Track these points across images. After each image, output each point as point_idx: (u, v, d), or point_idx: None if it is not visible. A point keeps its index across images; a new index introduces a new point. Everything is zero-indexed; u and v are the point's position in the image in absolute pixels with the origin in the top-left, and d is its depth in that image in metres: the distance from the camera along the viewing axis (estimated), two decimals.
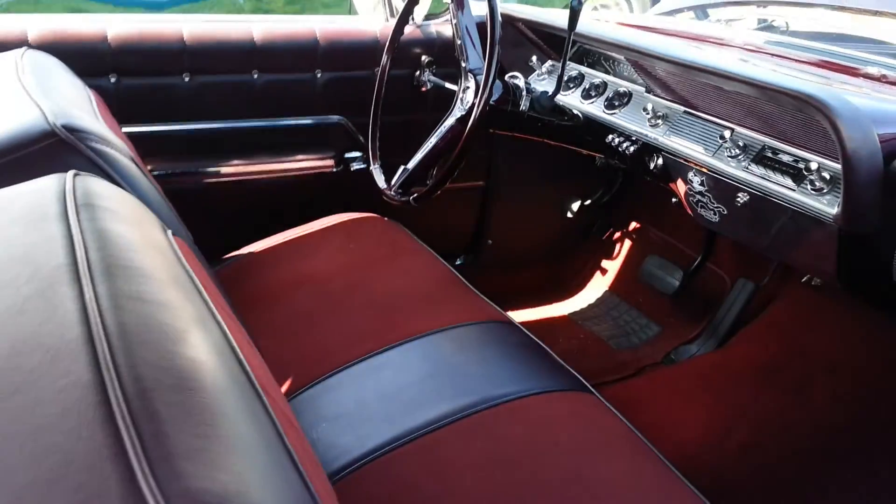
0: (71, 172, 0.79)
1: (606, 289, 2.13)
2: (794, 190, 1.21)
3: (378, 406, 1.08)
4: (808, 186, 1.19)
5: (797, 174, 1.21)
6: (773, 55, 1.53)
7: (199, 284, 0.71)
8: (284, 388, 1.18)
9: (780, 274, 1.83)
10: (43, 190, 0.75)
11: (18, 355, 0.53)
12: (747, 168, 1.29)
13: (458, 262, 2.10)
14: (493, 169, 2.00)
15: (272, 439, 0.52)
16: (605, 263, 2.18)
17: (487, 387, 1.10)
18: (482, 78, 1.40)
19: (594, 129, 1.61)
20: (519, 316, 2.04)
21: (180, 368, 0.52)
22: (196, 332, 0.59)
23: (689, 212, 1.48)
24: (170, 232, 0.82)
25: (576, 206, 2.13)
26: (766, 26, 1.82)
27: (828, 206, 1.15)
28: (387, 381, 1.13)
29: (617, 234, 2.19)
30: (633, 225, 2.17)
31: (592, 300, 2.11)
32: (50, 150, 0.87)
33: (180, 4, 3.50)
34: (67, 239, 0.66)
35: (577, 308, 2.09)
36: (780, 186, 1.23)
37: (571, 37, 1.38)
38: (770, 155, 1.27)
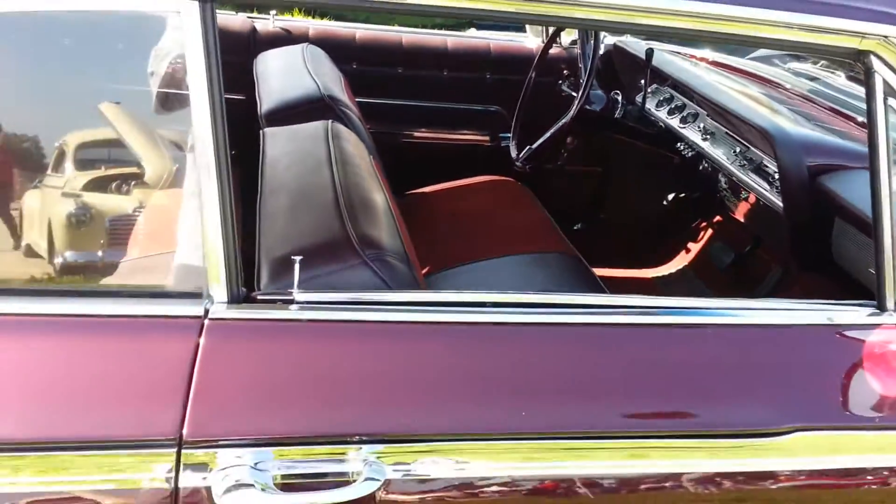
0: (329, 121, 1.61)
1: (686, 264, 2.75)
2: (767, 190, 1.82)
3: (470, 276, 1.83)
4: (774, 188, 1.80)
5: (772, 181, 1.83)
6: (796, 95, 2.11)
7: (381, 182, 1.50)
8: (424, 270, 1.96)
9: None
10: (318, 126, 1.58)
11: (304, 187, 1.34)
12: (747, 174, 1.91)
13: (576, 227, 2.78)
14: (609, 160, 2.67)
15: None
16: (689, 244, 2.78)
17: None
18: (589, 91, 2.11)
19: (668, 138, 2.26)
20: (610, 273, 2.71)
21: (369, 201, 1.31)
22: (378, 195, 1.38)
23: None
24: (372, 157, 1.62)
25: (671, 196, 2.75)
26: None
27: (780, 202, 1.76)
28: (483, 270, 1.88)
29: (703, 224, 2.79)
30: (717, 218, 2.76)
31: (672, 270, 2.73)
32: (321, 108, 1.69)
33: None
34: (327, 150, 1.47)
35: (658, 274, 2.72)
36: (760, 188, 1.85)
37: (648, 71, 2.05)
38: (763, 165, 1.88)
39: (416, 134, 2.55)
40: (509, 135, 2.57)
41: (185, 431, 0.89)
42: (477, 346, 1.02)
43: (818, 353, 1.12)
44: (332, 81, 1.90)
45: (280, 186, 1.36)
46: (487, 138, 2.60)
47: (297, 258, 1.00)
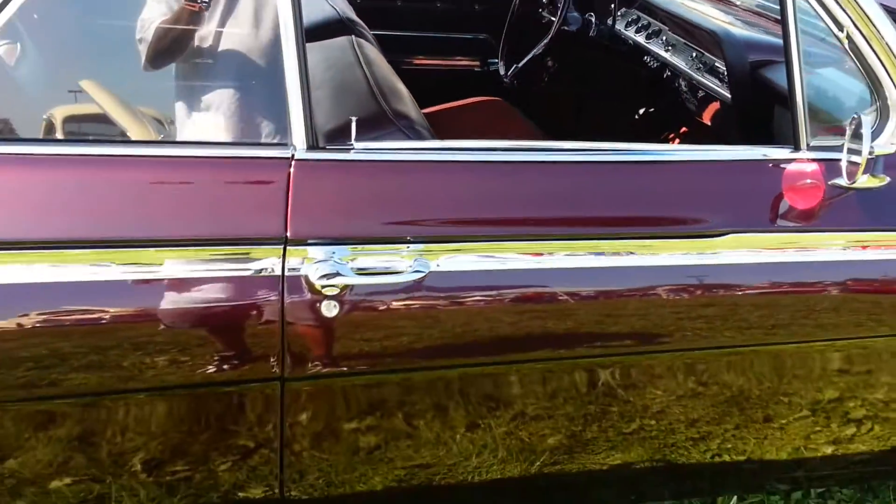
0: (352, 35, 1.93)
1: None
2: (718, 86, 2.16)
3: None
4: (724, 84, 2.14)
5: (723, 78, 2.17)
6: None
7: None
8: None
9: None
10: (343, 40, 1.90)
11: (341, 83, 1.68)
12: (703, 75, 2.25)
13: None
14: (587, 79, 2.99)
15: None
16: None
17: None
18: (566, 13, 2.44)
19: (636, 53, 2.58)
20: None
21: (396, 88, 1.65)
22: (401, 86, 1.71)
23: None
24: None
25: (641, 111, 3.08)
26: None
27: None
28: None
29: (671, 135, 3.14)
30: (682, 129, 3.11)
31: None
32: (341, 28, 2.01)
33: None
34: (355, 55, 1.80)
35: None
36: (714, 85, 2.19)
37: None
38: (715, 66, 2.22)
39: (413, 61, 2.87)
40: (497, 60, 2.90)
41: (287, 234, 1.23)
42: (494, 176, 1.37)
43: (752, 179, 1.48)
44: (347, 9, 2.21)
45: (321, 83, 1.69)
46: (477, 63, 2.93)
47: (354, 118, 1.34)
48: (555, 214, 1.37)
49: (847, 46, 1.48)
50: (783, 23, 1.44)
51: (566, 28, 2.60)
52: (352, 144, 1.33)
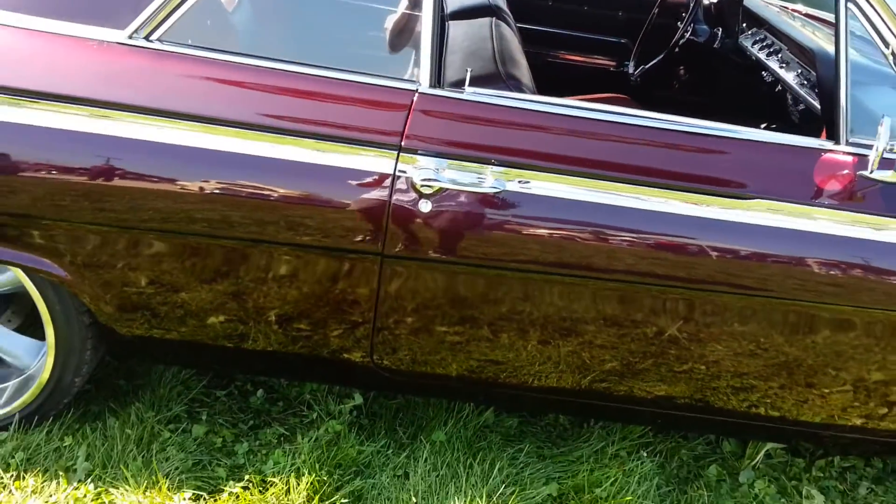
0: (493, 18, 2.35)
1: None
2: (814, 100, 2.40)
3: None
4: None
5: None
6: None
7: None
8: None
9: None
10: (484, 20, 2.32)
11: (473, 49, 2.10)
12: (806, 90, 2.49)
13: None
14: (714, 92, 3.26)
15: None
16: None
17: None
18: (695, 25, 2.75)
19: (758, 67, 2.84)
20: None
21: (515, 59, 2.05)
22: (521, 58, 2.12)
23: None
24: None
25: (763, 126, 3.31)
26: None
27: None
28: None
29: None
30: None
31: None
32: (488, 11, 2.43)
33: None
34: (489, 31, 2.21)
35: None
36: (811, 98, 2.43)
37: (741, 9, 2.66)
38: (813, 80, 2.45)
39: (558, 55, 3.25)
40: (632, 62, 3.23)
41: (402, 143, 1.67)
42: (568, 125, 1.75)
43: (797, 162, 1.77)
44: (500, 0, 2.64)
45: (458, 49, 2.11)
46: (614, 64, 3.27)
47: (469, 68, 1.76)
48: (618, 161, 1.73)
49: (892, 61, 1.74)
50: (836, 37, 1.72)
51: (695, 39, 2.90)
52: (464, 89, 1.75)
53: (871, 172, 1.69)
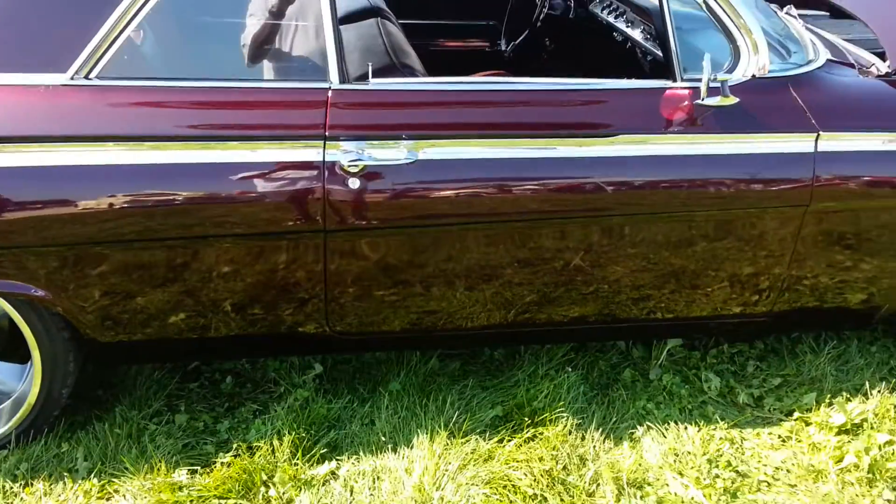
0: (379, 18, 2.67)
1: None
2: (657, 49, 2.82)
3: None
4: None
5: None
6: None
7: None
8: None
9: None
10: (372, 20, 2.64)
11: (366, 46, 2.41)
12: (651, 42, 2.90)
13: None
14: (579, 58, 3.66)
15: None
16: None
17: None
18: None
19: (609, 29, 3.25)
20: None
21: (405, 49, 2.38)
22: (410, 48, 2.45)
23: None
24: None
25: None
26: None
27: None
28: None
29: None
30: None
31: None
32: (372, 12, 2.74)
33: None
34: (377, 26, 2.53)
35: None
36: (654, 48, 2.84)
37: None
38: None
39: (437, 43, 3.59)
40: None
41: (326, 133, 1.97)
42: (462, 98, 2.09)
43: (646, 101, 2.15)
44: (378, 1, 2.95)
45: (354, 49, 2.41)
46: (487, 44, 3.63)
47: (369, 63, 2.07)
48: (502, 121, 2.08)
49: (706, 10, 2.15)
50: None
51: (552, 12, 3.29)
52: (368, 81, 2.06)
53: (703, 100, 2.09)
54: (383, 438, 2.24)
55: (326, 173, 1.97)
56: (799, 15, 2.97)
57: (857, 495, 2.13)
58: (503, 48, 3.41)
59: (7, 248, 1.94)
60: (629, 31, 3.05)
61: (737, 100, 2.11)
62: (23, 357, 2.18)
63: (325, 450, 2.20)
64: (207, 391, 2.44)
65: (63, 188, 1.93)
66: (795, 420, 2.39)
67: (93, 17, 1.93)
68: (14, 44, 1.95)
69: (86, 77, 1.94)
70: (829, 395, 2.45)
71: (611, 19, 3.19)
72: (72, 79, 1.93)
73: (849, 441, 2.29)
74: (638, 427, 2.34)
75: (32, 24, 1.95)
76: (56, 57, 1.91)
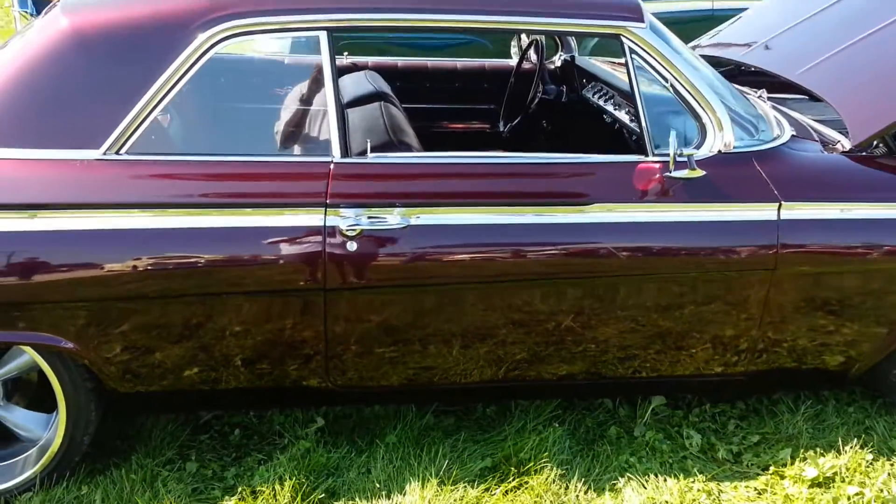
0: (382, 102, 2.94)
1: None
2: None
3: None
4: None
5: None
6: None
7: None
8: None
9: None
10: (376, 104, 2.91)
11: (369, 126, 2.68)
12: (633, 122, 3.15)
13: None
14: (573, 139, 3.92)
15: None
16: None
17: None
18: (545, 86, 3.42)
19: (600, 112, 3.50)
20: None
21: (403, 126, 2.64)
22: (408, 127, 2.71)
23: None
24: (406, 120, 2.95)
25: None
26: None
27: None
28: None
29: None
30: None
31: None
32: (377, 97, 3.02)
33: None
34: (380, 108, 2.80)
35: None
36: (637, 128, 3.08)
37: (575, 70, 3.34)
38: None
39: (441, 126, 3.87)
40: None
41: (328, 201, 2.20)
42: (449, 170, 2.34)
43: (621, 173, 2.37)
44: (384, 87, 3.24)
45: (357, 129, 2.66)
46: (488, 126, 3.90)
47: (368, 140, 2.32)
48: (490, 191, 2.31)
49: (673, 93, 2.39)
50: (629, 79, 2.36)
51: (546, 97, 3.57)
52: (367, 155, 2.30)
53: (672, 172, 2.31)
54: (378, 485, 2.40)
55: (327, 237, 2.20)
56: (782, 99, 3.23)
57: None
58: (501, 129, 3.67)
59: (41, 303, 2.16)
60: (616, 112, 3.30)
61: (703, 172, 2.33)
62: (48, 408, 2.38)
63: (324, 495, 2.36)
64: (217, 442, 2.61)
65: (92, 250, 2.16)
66: (771, 474, 2.51)
67: (123, 104, 2.19)
68: (54, 125, 2.21)
69: (116, 153, 2.19)
70: (803, 451, 2.57)
71: (601, 103, 3.45)
72: (104, 154, 2.18)
73: (821, 493, 2.41)
74: (620, 479, 2.47)
75: (70, 109, 2.22)
76: (90, 137, 2.17)
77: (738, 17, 3.98)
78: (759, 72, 3.26)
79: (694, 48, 3.62)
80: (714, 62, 3.38)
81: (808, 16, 3.41)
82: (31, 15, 7.48)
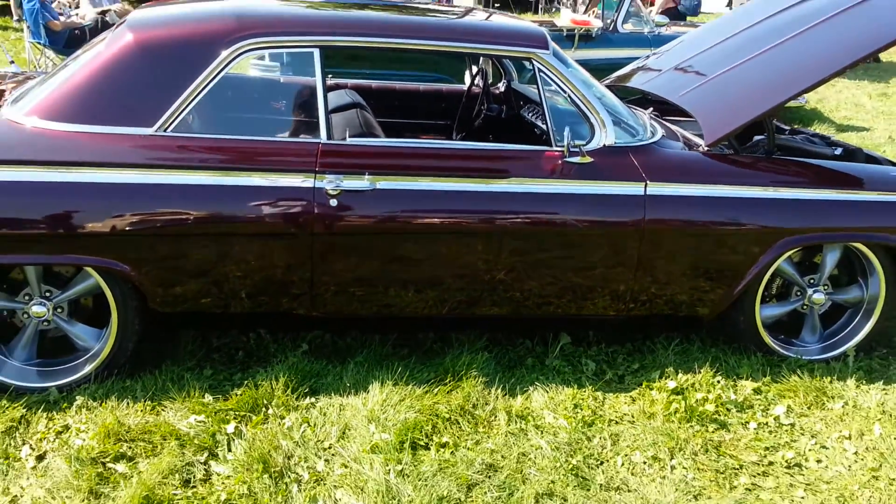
0: (358, 109, 3.83)
1: None
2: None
3: None
4: None
5: None
6: None
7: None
8: None
9: None
10: (353, 111, 3.80)
11: (343, 118, 3.57)
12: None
13: None
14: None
15: None
16: None
17: None
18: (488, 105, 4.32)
19: (528, 122, 4.40)
20: None
21: (371, 124, 3.53)
22: (378, 128, 3.60)
23: None
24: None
25: None
26: None
27: None
28: None
29: None
30: None
31: None
32: (353, 105, 3.89)
33: None
34: (357, 116, 3.70)
35: None
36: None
37: (512, 92, 4.25)
38: None
39: (405, 136, 4.74)
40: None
41: (317, 169, 3.06)
42: (407, 150, 3.21)
43: (534, 160, 3.27)
44: (359, 99, 4.12)
45: (338, 126, 3.52)
46: (444, 138, 4.78)
47: (348, 131, 3.19)
48: (436, 166, 3.18)
49: (570, 102, 3.30)
50: (538, 92, 3.27)
51: (490, 114, 4.47)
52: (345, 140, 3.17)
53: (568, 158, 3.21)
54: (349, 386, 3.21)
55: (315, 194, 3.05)
56: (675, 119, 4.16)
57: (675, 427, 3.10)
58: (454, 139, 4.57)
59: (106, 235, 2.97)
60: (534, 119, 4.20)
61: (592, 159, 3.23)
62: (99, 325, 3.18)
63: (308, 390, 3.17)
64: (225, 359, 3.42)
65: (143, 198, 2.98)
66: (643, 387, 3.37)
67: (169, 97, 3.04)
68: (120, 110, 3.05)
69: (164, 131, 3.04)
70: (670, 374, 3.43)
71: (530, 118, 4.36)
72: (155, 132, 3.03)
73: (679, 399, 3.26)
74: (529, 387, 3.31)
75: (132, 99, 3.06)
76: (146, 119, 3.01)
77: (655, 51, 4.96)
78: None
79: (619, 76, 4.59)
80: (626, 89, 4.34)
81: (700, 51, 4.36)
82: (45, 45, 8.34)
